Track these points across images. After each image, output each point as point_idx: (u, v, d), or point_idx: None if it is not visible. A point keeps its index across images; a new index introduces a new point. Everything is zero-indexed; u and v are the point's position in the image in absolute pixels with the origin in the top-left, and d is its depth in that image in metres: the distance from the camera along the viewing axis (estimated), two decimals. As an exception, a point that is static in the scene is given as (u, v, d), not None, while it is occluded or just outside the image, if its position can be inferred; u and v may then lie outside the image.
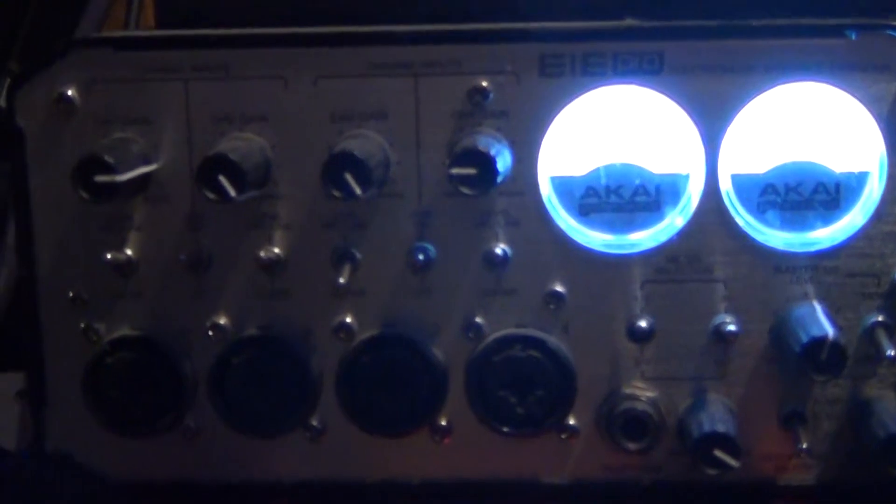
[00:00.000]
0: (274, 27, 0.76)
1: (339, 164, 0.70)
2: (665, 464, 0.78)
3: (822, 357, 0.72)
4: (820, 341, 0.72)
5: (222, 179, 0.70)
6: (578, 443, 0.78)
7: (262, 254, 0.76)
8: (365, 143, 0.73)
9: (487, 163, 0.71)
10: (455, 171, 0.71)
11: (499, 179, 0.72)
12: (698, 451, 0.74)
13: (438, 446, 0.79)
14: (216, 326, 0.77)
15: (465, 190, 0.71)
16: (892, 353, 0.74)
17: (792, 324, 0.75)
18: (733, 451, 0.73)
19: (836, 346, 0.71)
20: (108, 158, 0.71)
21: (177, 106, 0.75)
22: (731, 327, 0.76)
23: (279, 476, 0.80)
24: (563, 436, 0.78)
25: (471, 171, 0.70)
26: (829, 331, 0.72)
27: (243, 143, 0.74)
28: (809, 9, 0.76)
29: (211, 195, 0.70)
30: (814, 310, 0.75)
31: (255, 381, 0.76)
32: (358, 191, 0.70)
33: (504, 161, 0.73)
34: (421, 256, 0.76)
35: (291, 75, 0.75)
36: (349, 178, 0.70)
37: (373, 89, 0.75)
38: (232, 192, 0.70)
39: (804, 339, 0.72)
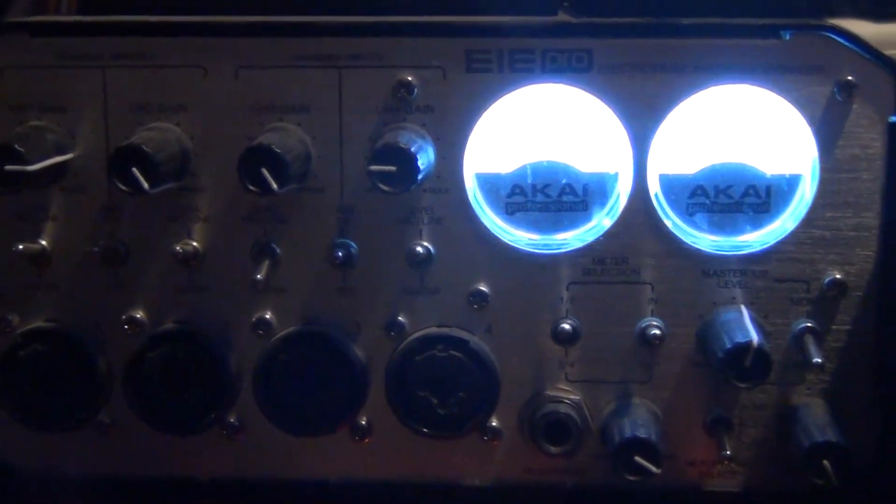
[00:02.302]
0: (196, 15, 0.74)
1: (255, 158, 0.69)
2: (589, 467, 0.77)
3: (745, 363, 0.70)
4: (744, 347, 0.70)
5: (135, 171, 0.68)
6: (501, 445, 0.77)
7: (180, 247, 0.74)
8: (284, 136, 0.72)
9: (408, 160, 0.69)
10: (374, 167, 0.69)
11: (420, 177, 0.70)
12: (619, 456, 0.73)
13: (358, 446, 0.77)
14: (132, 320, 0.76)
15: (384, 187, 0.69)
16: (820, 360, 0.72)
17: (717, 328, 0.74)
18: (654, 457, 0.72)
19: (760, 352, 0.70)
20: (20, 147, 0.69)
21: (94, 94, 0.74)
22: (657, 330, 0.75)
23: (195, 473, 0.78)
24: (485, 437, 0.77)
25: (391, 168, 0.69)
26: (754, 337, 0.71)
27: (159, 134, 0.72)
28: (743, 8, 0.74)
29: (124, 187, 0.69)
30: (740, 315, 0.74)
31: (172, 377, 0.75)
32: (274, 186, 0.69)
33: (426, 158, 0.71)
34: (342, 253, 0.74)
35: (212, 65, 0.73)
36: (266, 172, 0.68)
37: (295, 81, 0.73)
38: (145, 185, 0.69)
39: (728, 344, 0.71)
